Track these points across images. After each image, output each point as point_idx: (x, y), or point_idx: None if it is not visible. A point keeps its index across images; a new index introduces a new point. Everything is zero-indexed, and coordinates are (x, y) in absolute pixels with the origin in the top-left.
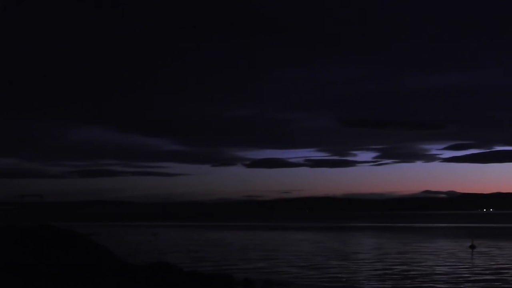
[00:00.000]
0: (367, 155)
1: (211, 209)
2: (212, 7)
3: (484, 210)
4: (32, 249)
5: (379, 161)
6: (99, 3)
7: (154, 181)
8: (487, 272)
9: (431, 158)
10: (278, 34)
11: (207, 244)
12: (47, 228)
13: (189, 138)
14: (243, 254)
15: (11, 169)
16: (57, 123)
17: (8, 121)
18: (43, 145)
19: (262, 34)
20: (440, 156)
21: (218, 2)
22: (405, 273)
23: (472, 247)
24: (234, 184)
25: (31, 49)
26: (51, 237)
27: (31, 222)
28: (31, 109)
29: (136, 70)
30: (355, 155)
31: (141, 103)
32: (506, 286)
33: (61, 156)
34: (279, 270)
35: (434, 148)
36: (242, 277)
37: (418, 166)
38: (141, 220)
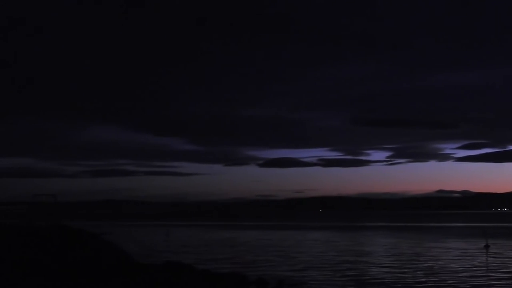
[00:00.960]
0: (381, 155)
1: (224, 208)
2: (228, 6)
3: (498, 209)
4: (45, 248)
5: (392, 160)
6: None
7: (167, 181)
8: (502, 271)
9: (445, 157)
10: (292, 33)
11: (220, 243)
12: (61, 228)
13: (203, 138)
14: (256, 254)
15: (24, 168)
16: (71, 123)
17: (21, 120)
18: (57, 145)
19: (276, 33)
20: (454, 155)
21: (233, 2)
22: (418, 273)
23: (487, 246)
24: (247, 184)
25: (46, 49)
26: (64, 236)
27: (44, 221)
28: (44, 109)
29: (150, 70)
30: (368, 154)
31: (155, 103)
32: None
33: (75, 156)
34: (292, 269)
35: (448, 148)
36: (255, 277)
37: (432, 166)
38: (154, 220)
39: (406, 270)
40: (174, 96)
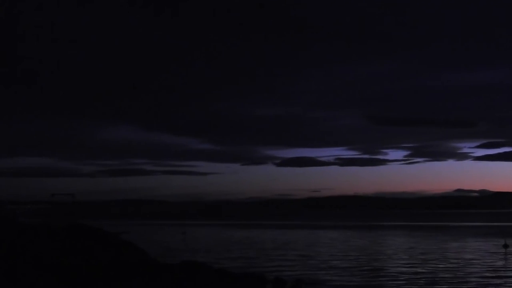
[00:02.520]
0: (398, 154)
1: (241, 207)
2: (244, 6)
3: None
4: (63, 247)
5: (410, 159)
6: (132, 2)
7: (184, 180)
8: None
9: (463, 156)
10: (308, 33)
11: (237, 243)
12: (78, 227)
13: (219, 137)
14: (273, 253)
15: (42, 168)
16: (88, 122)
17: (39, 120)
18: (75, 144)
19: (293, 33)
20: (472, 154)
21: (249, 2)
22: (437, 272)
23: (506, 246)
24: (264, 183)
25: (63, 49)
26: (83, 235)
27: (62, 220)
28: (61, 109)
29: (166, 69)
30: (386, 153)
31: (172, 102)
32: None
33: (92, 155)
34: (310, 269)
35: (466, 146)
36: (272, 276)
37: (450, 165)
38: (171, 219)
39: (424, 270)
40: (192, 95)
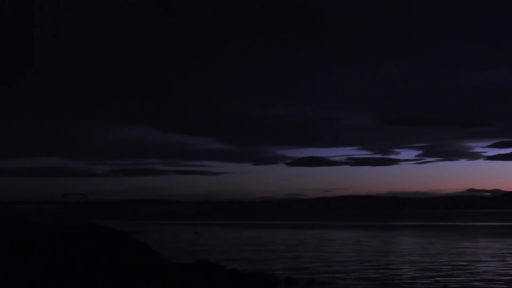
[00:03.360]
0: (410, 153)
1: (253, 207)
2: (256, 5)
3: None
4: (76, 247)
5: (422, 159)
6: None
7: (196, 180)
8: None
9: (475, 156)
10: (320, 32)
11: (249, 242)
12: (91, 227)
13: (231, 137)
14: (285, 253)
15: (54, 168)
16: (100, 122)
17: (51, 120)
18: (86, 144)
19: (304, 32)
20: (485, 154)
21: (261, 1)
22: (450, 273)
23: None
24: (276, 183)
25: (75, 48)
26: (96, 235)
27: (75, 220)
28: (74, 109)
29: (179, 69)
30: (397, 153)
31: (184, 102)
32: None
33: (104, 155)
34: (322, 269)
35: (478, 146)
36: (284, 276)
37: (462, 164)
38: (183, 219)
39: (437, 270)
40: (204, 95)
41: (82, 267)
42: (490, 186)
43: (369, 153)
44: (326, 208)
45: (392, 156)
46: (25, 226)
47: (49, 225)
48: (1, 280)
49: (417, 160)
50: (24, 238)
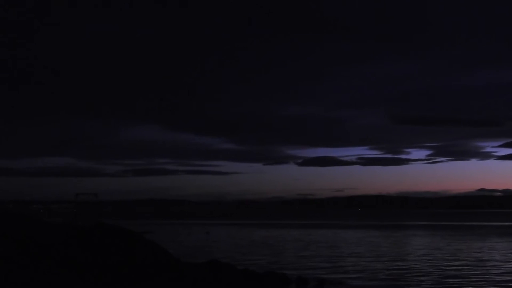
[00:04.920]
0: (421, 153)
1: (264, 207)
2: (264, 6)
3: None
4: (87, 247)
5: (433, 159)
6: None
7: (207, 180)
8: None
9: (486, 155)
10: (330, 32)
11: (260, 242)
12: (102, 226)
13: (242, 137)
14: (296, 253)
15: (66, 168)
16: (111, 122)
17: (62, 120)
18: (97, 144)
19: (315, 32)
20: (496, 153)
21: (274, 1)
22: (459, 273)
23: None
24: (286, 183)
25: (84, 49)
26: (107, 235)
27: (86, 220)
28: (84, 109)
29: (189, 69)
30: (408, 153)
31: (195, 102)
32: None
33: (116, 155)
34: (333, 268)
35: (489, 146)
36: (295, 275)
37: (473, 164)
38: (195, 219)
39: (448, 270)
40: (215, 95)
41: (94, 267)
42: (501, 186)
43: (380, 153)
44: (337, 207)
45: (403, 156)
46: (37, 226)
47: (61, 225)
48: (14, 281)
49: (428, 160)
50: (36, 239)
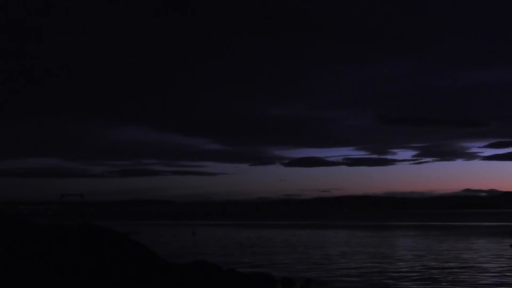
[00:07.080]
0: (407, 154)
1: (250, 207)
2: (253, 6)
3: None
4: (73, 247)
5: (419, 159)
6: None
7: (193, 180)
8: None
9: (472, 156)
10: (317, 32)
11: (246, 243)
12: (88, 227)
13: (228, 138)
14: (282, 253)
15: (52, 168)
16: (97, 123)
17: (48, 121)
18: (83, 145)
19: (302, 32)
20: (481, 154)
21: (260, 2)
22: (445, 271)
23: None
24: (273, 183)
25: (74, 52)
26: (92, 236)
27: (72, 221)
28: (71, 109)
29: (175, 70)
30: (394, 153)
31: (181, 103)
32: None
33: (101, 156)
34: (320, 269)
35: (474, 146)
36: (281, 276)
37: (458, 164)
38: (180, 219)
39: (433, 270)
40: (200, 96)
41: (80, 268)
42: (486, 186)
43: (366, 153)
44: (323, 208)
45: (389, 157)
46: (21, 227)
47: (46, 225)
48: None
49: (414, 160)
50: (20, 240)
